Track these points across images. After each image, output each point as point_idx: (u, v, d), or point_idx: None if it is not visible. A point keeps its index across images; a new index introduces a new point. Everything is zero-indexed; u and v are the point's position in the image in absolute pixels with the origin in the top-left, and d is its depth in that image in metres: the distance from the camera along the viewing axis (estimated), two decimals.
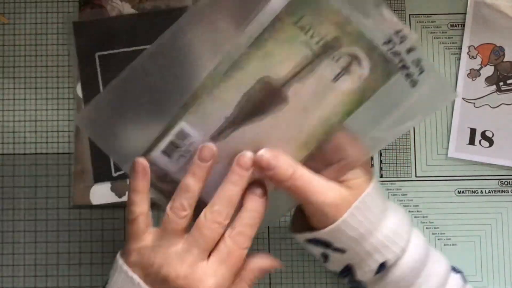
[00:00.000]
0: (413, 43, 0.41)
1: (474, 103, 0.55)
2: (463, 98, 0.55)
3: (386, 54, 0.41)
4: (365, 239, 0.43)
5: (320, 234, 0.43)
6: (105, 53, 0.55)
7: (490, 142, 0.55)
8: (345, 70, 0.41)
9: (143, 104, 0.44)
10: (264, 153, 0.42)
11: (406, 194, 0.55)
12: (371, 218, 0.43)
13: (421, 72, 0.41)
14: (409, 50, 0.41)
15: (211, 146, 0.42)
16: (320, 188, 0.42)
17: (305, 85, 0.42)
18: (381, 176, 0.55)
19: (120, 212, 0.55)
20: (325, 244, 0.44)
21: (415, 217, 0.55)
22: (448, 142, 0.55)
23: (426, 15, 0.56)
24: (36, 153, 0.55)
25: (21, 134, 0.55)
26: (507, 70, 0.55)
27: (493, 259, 0.55)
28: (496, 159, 0.55)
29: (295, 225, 0.47)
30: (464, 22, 0.56)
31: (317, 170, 0.43)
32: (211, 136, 0.43)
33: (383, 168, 0.55)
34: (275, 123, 0.42)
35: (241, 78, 0.42)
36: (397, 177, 0.55)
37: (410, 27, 0.56)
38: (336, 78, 0.42)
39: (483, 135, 0.55)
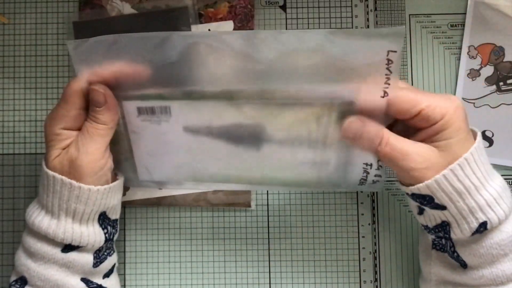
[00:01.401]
0: None
1: (474, 103, 0.55)
2: (463, 98, 0.55)
3: None
4: (469, 195, 0.42)
5: (420, 188, 0.42)
6: None
7: (490, 142, 0.55)
8: None
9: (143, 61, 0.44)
10: (353, 121, 0.42)
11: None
12: (478, 174, 0.42)
13: None
14: None
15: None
16: (412, 151, 0.42)
17: None
18: (381, 176, 0.55)
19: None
20: (425, 199, 0.43)
21: (414, 217, 0.55)
22: None
23: (426, 15, 0.56)
24: (36, 153, 0.55)
25: (21, 134, 0.55)
26: (507, 70, 0.55)
27: None
28: (496, 159, 0.55)
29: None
30: (464, 22, 0.56)
31: (406, 133, 0.43)
32: (185, 127, 0.46)
33: (383, 168, 0.55)
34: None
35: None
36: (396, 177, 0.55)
37: (410, 27, 0.56)
38: None
39: (483, 135, 0.55)
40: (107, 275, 0.48)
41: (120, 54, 0.43)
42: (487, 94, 0.55)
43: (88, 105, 0.45)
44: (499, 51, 0.55)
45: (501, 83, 0.55)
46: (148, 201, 0.55)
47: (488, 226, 0.42)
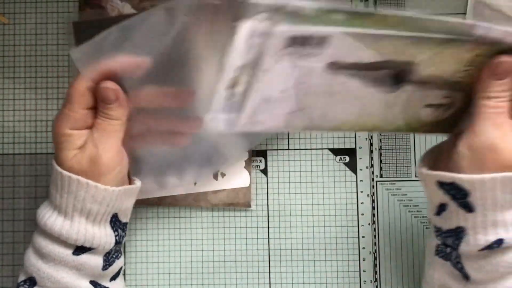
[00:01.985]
0: None
1: None
2: None
3: None
4: (503, 208, 0.40)
5: (464, 179, 0.41)
6: None
7: None
8: None
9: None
10: (505, 61, 0.40)
11: (406, 194, 0.55)
12: None
13: None
14: None
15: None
16: (504, 125, 0.40)
17: None
18: (381, 176, 0.55)
19: None
20: (460, 193, 0.41)
21: (414, 217, 0.55)
22: None
23: None
24: (36, 153, 0.55)
25: (21, 134, 0.55)
26: None
27: None
28: None
29: (426, 162, 0.45)
30: None
31: None
32: (331, 63, 0.41)
33: (383, 168, 0.55)
34: None
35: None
36: (397, 177, 0.55)
37: None
38: None
39: None
40: (113, 278, 0.48)
41: (124, 50, 0.43)
42: None
43: (94, 104, 0.45)
44: None
45: None
46: (148, 201, 0.55)
47: (504, 245, 0.41)
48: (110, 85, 0.44)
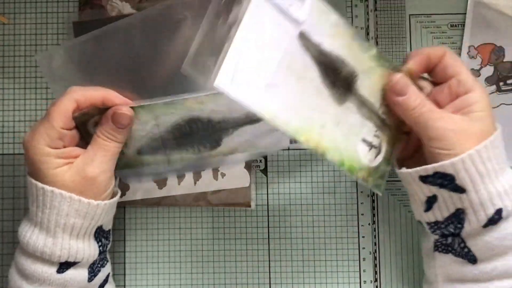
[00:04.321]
0: None
1: None
2: None
3: None
4: (489, 179, 0.42)
5: (444, 165, 0.42)
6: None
7: None
8: None
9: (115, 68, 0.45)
10: (401, 78, 0.45)
11: (406, 194, 0.55)
12: (499, 159, 0.43)
13: None
14: None
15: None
16: (443, 116, 0.43)
17: None
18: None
19: (120, 210, 0.55)
20: (446, 179, 0.43)
21: (418, 219, 0.55)
22: None
23: (426, 15, 0.56)
24: None
25: (21, 134, 0.55)
26: (507, 70, 0.55)
27: None
28: None
29: (402, 164, 0.47)
30: (464, 22, 0.56)
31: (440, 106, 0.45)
32: (301, 33, 0.43)
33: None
34: None
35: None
36: (397, 177, 0.55)
37: (410, 27, 0.56)
38: None
39: None
40: (101, 285, 0.48)
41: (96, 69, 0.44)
42: None
43: (72, 126, 0.44)
44: (499, 51, 0.55)
45: (501, 83, 0.55)
46: (148, 201, 0.55)
47: (504, 214, 0.42)
48: (127, 111, 0.45)
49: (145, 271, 0.55)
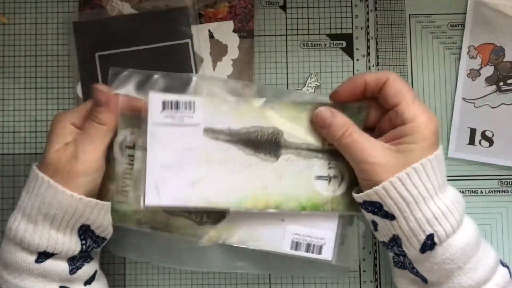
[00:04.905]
0: None
1: (474, 103, 0.55)
2: (463, 98, 0.55)
3: None
4: (417, 206, 0.43)
5: (369, 194, 0.43)
6: (105, 53, 0.54)
7: (490, 142, 0.55)
8: None
9: None
10: (322, 111, 0.46)
11: None
12: (427, 185, 0.43)
13: None
14: None
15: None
16: (366, 147, 0.44)
17: None
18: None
19: None
20: (375, 207, 0.44)
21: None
22: (448, 142, 0.55)
23: (426, 15, 0.56)
24: (36, 153, 0.55)
25: (21, 134, 0.55)
26: (507, 70, 0.55)
27: None
28: (496, 159, 0.55)
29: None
30: (464, 22, 0.56)
31: (375, 136, 0.46)
32: (206, 129, 0.47)
33: None
34: None
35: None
36: None
37: (410, 27, 0.56)
38: None
39: (483, 135, 0.55)
40: (88, 282, 0.48)
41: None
42: (487, 94, 0.55)
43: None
44: (499, 51, 0.55)
45: (501, 83, 0.55)
46: None
47: (436, 240, 0.43)
48: (103, 88, 0.45)
49: (145, 271, 0.55)
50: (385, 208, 0.43)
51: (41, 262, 0.44)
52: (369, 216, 0.46)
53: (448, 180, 0.55)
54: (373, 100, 0.47)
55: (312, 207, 0.47)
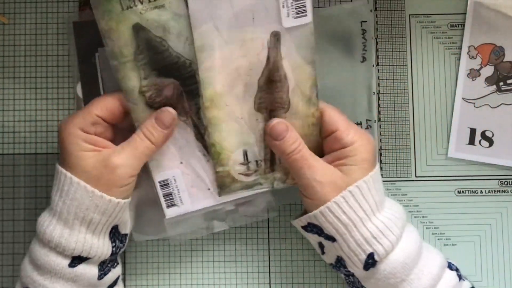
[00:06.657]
0: None
1: (474, 103, 0.55)
2: (463, 98, 0.55)
3: None
4: (355, 227, 0.44)
5: (310, 217, 0.45)
6: (105, 53, 0.54)
7: (490, 142, 0.55)
8: None
9: None
10: (278, 124, 0.46)
11: (406, 194, 0.55)
12: (364, 206, 0.44)
13: None
14: None
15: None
16: (315, 165, 0.45)
17: None
18: (381, 176, 0.55)
19: None
20: (317, 230, 0.46)
21: (415, 217, 0.55)
22: (448, 142, 0.55)
23: (426, 15, 0.56)
24: (36, 153, 0.55)
25: (21, 134, 0.55)
26: (507, 70, 0.55)
27: (493, 259, 0.55)
28: (496, 159, 0.55)
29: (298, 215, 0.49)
30: (464, 22, 0.56)
31: (320, 155, 0.47)
32: None
33: (383, 168, 0.55)
34: None
35: None
36: (397, 177, 0.55)
37: (410, 27, 0.56)
38: None
39: (483, 135, 0.55)
40: (111, 286, 0.48)
41: None
42: (487, 94, 0.55)
43: (111, 119, 0.46)
44: (499, 51, 0.55)
45: (501, 83, 0.55)
46: None
47: (376, 257, 0.44)
48: (171, 110, 0.46)
49: (145, 271, 0.55)
50: (325, 230, 0.45)
51: (74, 266, 0.44)
52: (315, 238, 0.47)
53: (448, 180, 0.56)
54: None
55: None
